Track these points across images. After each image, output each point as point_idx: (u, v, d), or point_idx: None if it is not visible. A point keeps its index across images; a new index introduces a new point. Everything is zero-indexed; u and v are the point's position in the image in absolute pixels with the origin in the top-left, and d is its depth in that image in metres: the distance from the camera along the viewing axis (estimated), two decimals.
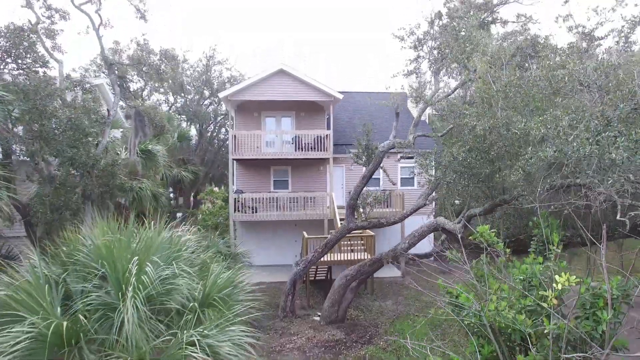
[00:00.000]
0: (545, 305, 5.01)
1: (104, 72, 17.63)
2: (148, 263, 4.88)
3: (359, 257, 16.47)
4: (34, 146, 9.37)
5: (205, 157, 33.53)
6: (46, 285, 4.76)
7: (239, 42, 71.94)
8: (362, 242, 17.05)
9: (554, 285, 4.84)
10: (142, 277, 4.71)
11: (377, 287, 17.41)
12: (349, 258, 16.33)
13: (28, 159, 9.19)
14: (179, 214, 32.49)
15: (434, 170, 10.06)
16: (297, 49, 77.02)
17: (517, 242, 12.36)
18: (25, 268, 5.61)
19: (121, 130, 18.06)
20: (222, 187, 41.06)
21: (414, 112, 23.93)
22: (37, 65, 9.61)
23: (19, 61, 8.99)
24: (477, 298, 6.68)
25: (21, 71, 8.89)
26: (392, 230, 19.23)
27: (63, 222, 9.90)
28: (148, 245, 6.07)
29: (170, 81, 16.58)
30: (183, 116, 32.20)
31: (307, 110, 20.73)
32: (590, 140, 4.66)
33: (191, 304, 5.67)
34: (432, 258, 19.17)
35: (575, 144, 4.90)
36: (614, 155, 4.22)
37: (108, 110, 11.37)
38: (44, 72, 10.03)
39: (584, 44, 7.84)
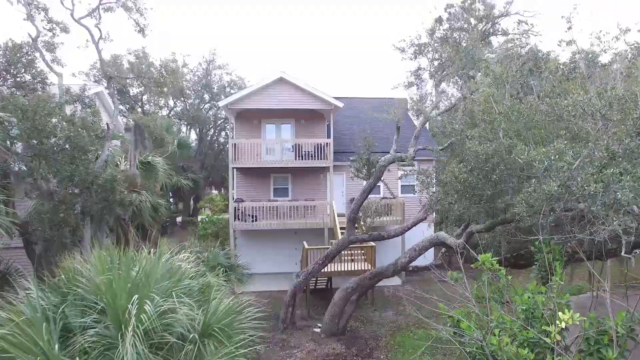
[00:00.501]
0: (548, 340, 4.97)
1: (104, 78, 17.48)
2: (147, 301, 4.82)
3: (359, 268, 16.43)
4: (32, 163, 9.32)
5: (205, 161, 33.49)
6: (44, 323, 4.69)
7: (239, 46, 71.91)
8: (363, 252, 17.00)
9: (558, 322, 4.80)
10: (142, 315, 4.65)
11: (377, 297, 17.34)
12: (349, 269, 16.28)
13: (27, 177, 9.14)
14: (178, 219, 32.50)
15: (434, 188, 10.00)
16: (297, 55, 77.05)
17: (518, 256, 12.30)
18: (22, 299, 5.55)
19: (120, 134, 18.00)
20: (222, 191, 41.03)
21: (416, 121, 23.86)
22: (36, 82, 9.54)
23: (18, 78, 8.93)
24: (478, 325, 6.63)
25: (20, 89, 8.82)
26: (393, 244, 19.17)
27: (62, 239, 9.86)
28: (148, 273, 6.03)
29: (170, 85, 16.48)
30: (183, 121, 32.13)
31: (307, 117, 20.67)
32: (594, 177, 4.61)
33: (191, 335, 5.61)
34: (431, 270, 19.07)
35: (580, 179, 4.85)
36: (619, 196, 4.17)
37: (107, 124, 11.29)
38: (43, 88, 9.96)
39: (583, 64, 7.76)
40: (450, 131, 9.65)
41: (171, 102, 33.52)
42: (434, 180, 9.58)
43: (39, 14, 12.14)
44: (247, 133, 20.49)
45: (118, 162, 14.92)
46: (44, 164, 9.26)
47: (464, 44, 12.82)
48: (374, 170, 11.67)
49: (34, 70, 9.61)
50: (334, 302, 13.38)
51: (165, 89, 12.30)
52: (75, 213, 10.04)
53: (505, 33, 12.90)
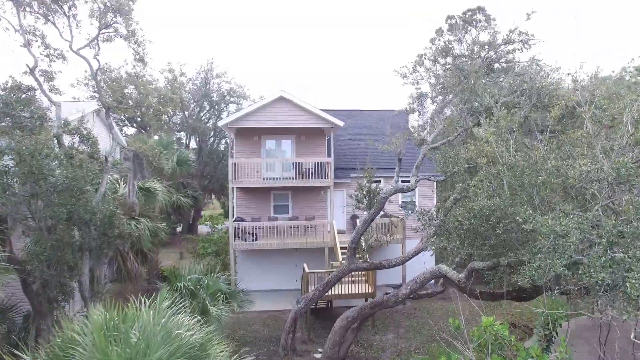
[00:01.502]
0: None
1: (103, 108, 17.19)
2: None
3: (360, 290, 16.37)
4: (30, 204, 9.22)
5: (205, 170, 33.38)
6: None
7: (238, 52, 71.75)
8: (363, 273, 16.92)
9: None
10: None
11: (378, 317, 17.27)
12: (350, 291, 16.22)
13: (24, 220, 9.04)
14: (178, 229, 32.43)
15: (436, 226, 9.90)
16: (297, 62, 77.04)
17: (520, 290, 12.22)
18: None
19: (120, 148, 17.80)
20: (222, 198, 40.95)
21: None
22: (34, 119, 9.41)
23: (15, 119, 8.80)
24: None
25: (18, 130, 8.70)
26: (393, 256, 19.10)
27: (60, 279, 9.76)
28: (147, 337, 5.95)
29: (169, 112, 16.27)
30: (182, 132, 31.97)
31: (307, 134, 20.55)
32: (603, 261, 4.51)
33: None
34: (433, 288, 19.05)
35: (586, 261, 4.75)
36: (629, 289, 4.08)
37: (106, 157, 11.18)
38: (41, 124, 9.84)
39: (590, 125, 7.63)
40: (452, 166, 9.55)
41: (170, 110, 33.40)
42: (436, 221, 9.48)
43: (36, 41, 12.04)
44: (247, 149, 20.38)
45: (117, 187, 14.82)
46: (41, 205, 9.16)
47: (466, 66, 12.70)
48: (374, 201, 11.57)
49: (32, 107, 9.47)
50: (334, 330, 13.30)
51: (164, 117, 12.22)
52: (73, 250, 9.92)
53: (508, 61, 12.79)
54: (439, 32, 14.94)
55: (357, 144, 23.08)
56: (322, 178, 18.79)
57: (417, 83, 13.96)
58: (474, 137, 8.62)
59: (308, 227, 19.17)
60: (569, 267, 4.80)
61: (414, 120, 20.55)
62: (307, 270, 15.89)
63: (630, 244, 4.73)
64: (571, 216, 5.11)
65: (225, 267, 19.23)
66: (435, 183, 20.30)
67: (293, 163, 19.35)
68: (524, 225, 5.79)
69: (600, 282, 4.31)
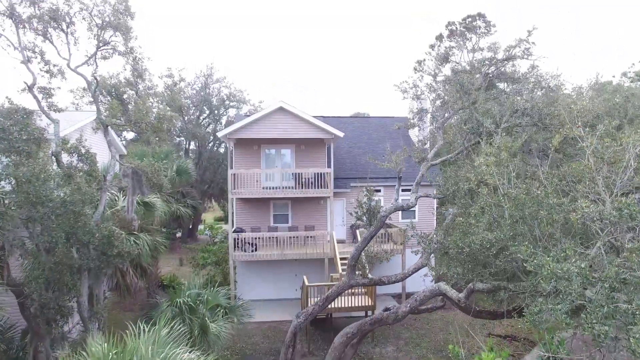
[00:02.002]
0: None
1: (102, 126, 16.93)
2: None
3: (360, 303, 16.36)
4: (28, 227, 9.16)
5: (205, 175, 33.32)
6: None
7: (238, 55, 71.58)
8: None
9: None
10: None
11: (377, 329, 17.22)
12: (349, 305, 16.20)
13: (22, 245, 8.98)
14: (178, 234, 32.41)
15: (435, 244, 9.85)
16: (297, 65, 76.92)
17: (521, 309, 12.21)
18: None
19: (118, 160, 17.64)
20: (221, 202, 40.90)
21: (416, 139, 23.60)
22: (30, 142, 9.34)
23: (12, 143, 8.73)
24: None
25: (15, 154, 8.64)
26: (393, 268, 19.10)
27: (58, 302, 9.71)
28: None
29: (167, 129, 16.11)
30: (182, 137, 31.90)
31: (307, 143, 20.48)
32: (605, 311, 4.46)
33: None
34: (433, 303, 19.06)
35: (589, 307, 4.71)
36: (633, 345, 4.03)
37: (104, 176, 11.13)
38: (38, 145, 9.77)
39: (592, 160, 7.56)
40: (453, 191, 9.49)
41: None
42: (435, 245, 9.43)
43: (35, 57, 11.96)
44: (246, 158, 20.32)
45: (116, 199, 14.76)
46: (39, 228, 9.11)
47: (466, 81, 12.64)
48: (374, 219, 11.53)
49: (29, 128, 9.39)
50: (334, 346, 13.26)
51: (162, 133, 12.21)
52: (72, 271, 9.87)
53: (509, 77, 12.73)
54: (439, 37, 14.87)
55: (358, 152, 23.01)
56: (321, 188, 18.73)
57: (418, 98, 13.92)
58: (475, 164, 8.59)
59: (308, 238, 19.12)
60: (571, 314, 4.75)
61: (414, 136, 20.54)
62: (307, 283, 15.86)
63: (633, 292, 4.68)
64: (573, 260, 5.06)
65: (225, 276, 19.19)
66: (435, 199, 20.29)
67: (293, 173, 19.29)
68: (524, 264, 5.74)
69: (603, 335, 4.27)
